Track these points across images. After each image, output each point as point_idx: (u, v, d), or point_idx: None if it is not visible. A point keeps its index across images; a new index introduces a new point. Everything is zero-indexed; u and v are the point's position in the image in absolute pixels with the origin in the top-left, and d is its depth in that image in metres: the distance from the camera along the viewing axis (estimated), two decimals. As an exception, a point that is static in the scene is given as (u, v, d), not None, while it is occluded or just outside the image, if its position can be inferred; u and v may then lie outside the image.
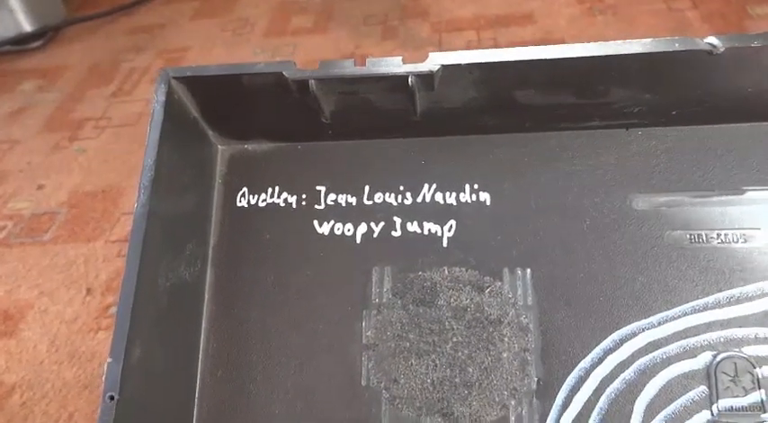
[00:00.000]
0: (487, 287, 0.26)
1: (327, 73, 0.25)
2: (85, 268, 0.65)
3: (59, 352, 0.59)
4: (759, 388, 0.24)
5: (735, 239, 0.25)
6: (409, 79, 0.25)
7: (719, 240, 0.26)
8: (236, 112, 0.28)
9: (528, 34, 0.75)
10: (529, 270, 0.27)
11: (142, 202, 0.25)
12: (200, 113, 0.28)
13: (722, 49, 0.23)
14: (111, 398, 0.22)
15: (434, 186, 0.28)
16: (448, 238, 0.28)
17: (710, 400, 0.24)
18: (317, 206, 0.29)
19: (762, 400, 0.24)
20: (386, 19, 0.85)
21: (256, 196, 0.29)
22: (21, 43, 0.90)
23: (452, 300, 0.26)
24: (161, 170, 0.26)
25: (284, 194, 0.29)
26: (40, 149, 0.79)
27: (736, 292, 0.25)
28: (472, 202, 0.28)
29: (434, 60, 0.24)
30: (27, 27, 0.87)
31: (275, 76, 0.26)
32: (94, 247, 0.65)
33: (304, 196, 0.29)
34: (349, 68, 0.25)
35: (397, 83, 0.25)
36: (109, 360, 0.23)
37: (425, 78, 0.25)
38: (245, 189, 0.30)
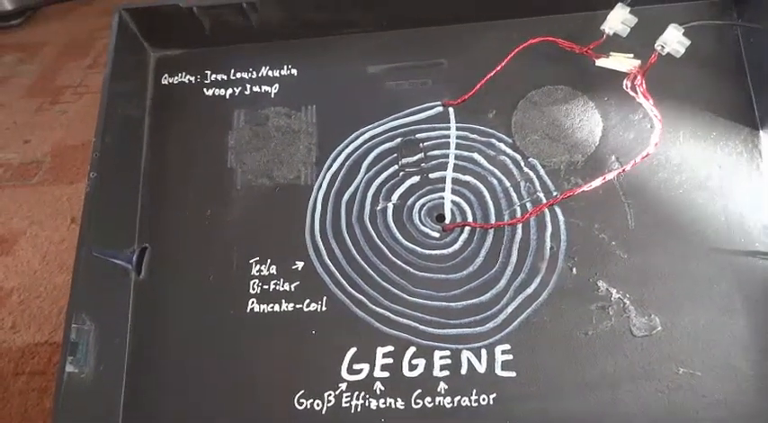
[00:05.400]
0: (292, 115, 0.51)
1: (204, 3, 0.49)
2: (69, 204, 0.75)
3: (50, 265, 0.70)
4: (424, 153, 0.49)
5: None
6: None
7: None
8: (162, 30, 0.52)
9: None
10: (314, 106, 0.51)
11: (108, 75, 0.49)
12: (138, 31, 0.52)
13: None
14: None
15: (268, 67, 0.53)
16: (275, 93, 0.52)
17: (398, 159, 0.49)
18: (205, 81, 0.53)
19: (420, 160, 0.49)
20: None
21: (171, 78, 0.54)
22: (1, 21, 0.98)
23: (274, 122, 0.51)
24: (116, 65, 0.49)
25: (188, 76, 0.53)
26: (25, 111, 0.87)
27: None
28: (288, 74, 0.52)
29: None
30: (8, 6, 0.95)
31: (174, 7, 0.50)
32: (77, 187, 0.76)
33: (198, 77, 0.53)
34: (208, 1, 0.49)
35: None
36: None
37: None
38: (166, 74, 0.54)
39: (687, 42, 0.43)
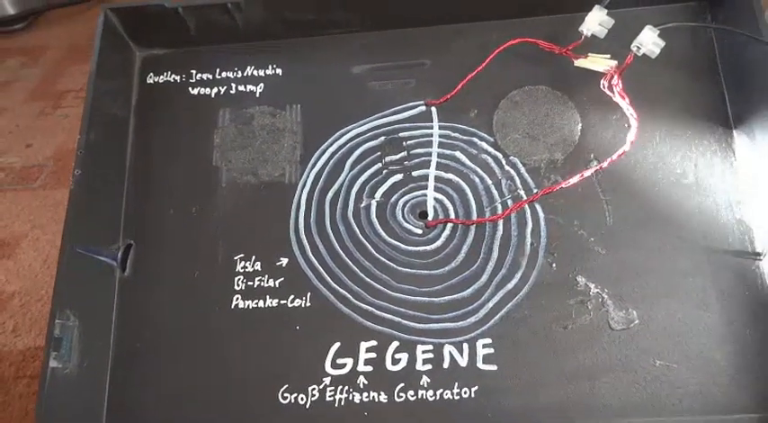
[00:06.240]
0: (276, 114, 0.52)
1: (190, 2, 0.50)
2: (71, 208, 0.79)
3: (51, 268, 0.69)
4: (407, 152, 0.50)
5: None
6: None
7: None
8: (147, 29, 0.53)
9: None
10: (299, 105, 0.52)
11: (93, 74, 0.49)
12: (123, 30, 0.53)
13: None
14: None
15: (253, 66, 0.53)
16: (260, 92, 0.53)
17: (382, 158, 0.50)
18: (191, 80, 0.54)
19: (403, 158, 0.50)
20: None
21: (157, 77, 0.54)
22: (4, 25, 0.98)
23: (259, 121, 0.52)
24: (101, 64, 0.50)
25: (173, 75, 0.54)
26: (27, 115, 0.87)
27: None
28: (273, 73, 0.53)
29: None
30: (10, 10, 0.95)
31: (160, 7, 0.50)
32: (78, 191, 0.77)
33: (184, 76, 0.54)
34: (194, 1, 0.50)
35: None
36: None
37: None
38: (151, 73, 0.54)
39: (662, 43, 0.44)
